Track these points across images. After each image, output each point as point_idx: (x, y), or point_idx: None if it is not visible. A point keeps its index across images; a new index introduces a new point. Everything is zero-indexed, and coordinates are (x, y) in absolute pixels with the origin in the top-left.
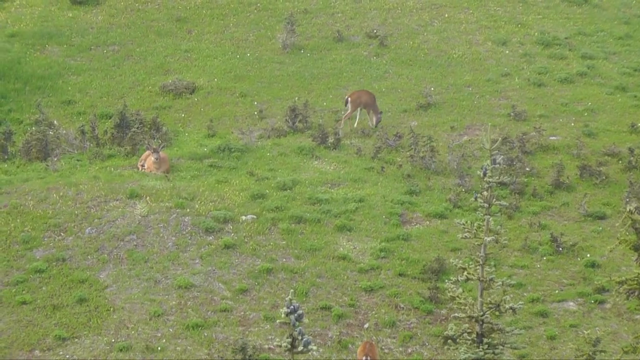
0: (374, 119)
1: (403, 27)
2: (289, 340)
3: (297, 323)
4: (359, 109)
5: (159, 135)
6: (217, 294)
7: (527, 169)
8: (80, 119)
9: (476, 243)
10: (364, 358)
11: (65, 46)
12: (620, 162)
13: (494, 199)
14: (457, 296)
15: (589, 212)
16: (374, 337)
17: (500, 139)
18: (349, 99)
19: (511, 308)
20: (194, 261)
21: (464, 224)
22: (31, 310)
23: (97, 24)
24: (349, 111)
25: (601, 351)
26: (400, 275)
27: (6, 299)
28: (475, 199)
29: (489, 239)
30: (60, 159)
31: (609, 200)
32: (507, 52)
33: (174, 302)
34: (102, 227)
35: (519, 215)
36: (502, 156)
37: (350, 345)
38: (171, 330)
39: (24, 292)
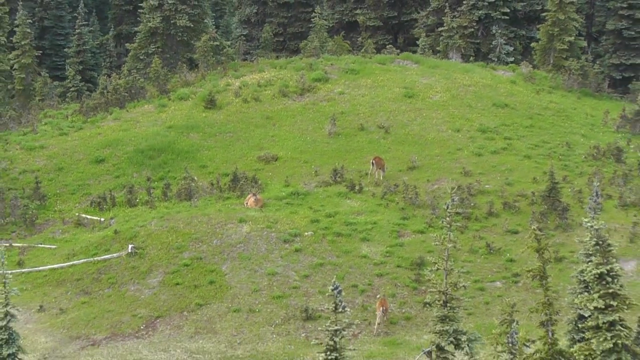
0: (382, 174)
1: (399, 121)
2: (333, 305)
3: (338, 295)
4: (378, 168)
5: (256, 185)
6: (291, 278)
7: (472, 204)
8: (210, 176)
9: (442, 248)
10: (381, 308)
11: (201, 133)
12: (526, 200)
13: (453, 222)
14: (431, 279)
15: (508, 229)
16: (384, 295)
17: (456, 187)
18: (374, 161)
19: (463, 286)
20: (277, 259)
21: (435, 237)
22: (181, 288)
23: (220, 120)
24: (374, 169)
25: (516, 311)
26: (398, 266)
27: (167, 282)
28: (442, 222)
29: (450, 245)
30: (199, 199)
31: (520, 222)
32: (460, 136)
33: (265, 283)
34: (223, 239)
35: (467, 231)
36: (457, 197)
37: (368, 308)
38: (264, 299)
39: (177, 277)
